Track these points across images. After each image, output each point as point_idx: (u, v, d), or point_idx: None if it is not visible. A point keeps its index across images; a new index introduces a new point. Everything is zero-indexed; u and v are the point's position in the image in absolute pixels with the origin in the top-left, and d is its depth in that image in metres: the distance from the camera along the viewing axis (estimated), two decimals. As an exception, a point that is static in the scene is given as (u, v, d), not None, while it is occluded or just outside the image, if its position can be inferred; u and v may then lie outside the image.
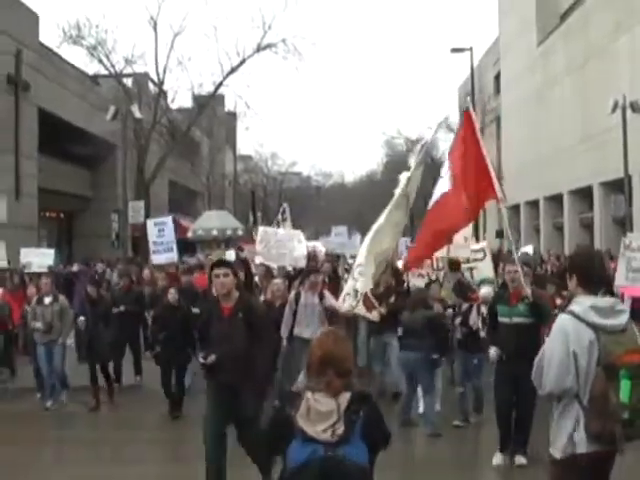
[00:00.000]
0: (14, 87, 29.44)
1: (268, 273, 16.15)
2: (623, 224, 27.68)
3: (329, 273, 16.57)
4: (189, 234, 28.70)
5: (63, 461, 10.72)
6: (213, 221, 29.53)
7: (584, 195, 35.28)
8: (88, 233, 39.80)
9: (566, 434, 5.08)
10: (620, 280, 11.05)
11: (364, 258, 12.73)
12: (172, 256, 20.09)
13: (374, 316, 12.62)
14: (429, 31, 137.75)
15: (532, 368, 8.50)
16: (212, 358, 7.73)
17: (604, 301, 5.21)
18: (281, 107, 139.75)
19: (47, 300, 14.07)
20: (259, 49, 37.44)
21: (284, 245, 17.73)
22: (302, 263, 17.97)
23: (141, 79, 40.34)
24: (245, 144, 67.05)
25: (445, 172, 11.38)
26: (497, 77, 50.51)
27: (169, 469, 10.11)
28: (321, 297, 13.19)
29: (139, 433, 11.99)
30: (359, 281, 12.80)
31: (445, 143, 51.01)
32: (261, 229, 19.28)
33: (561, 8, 40.48)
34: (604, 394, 4.93)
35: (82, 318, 13.88)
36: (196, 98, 44.04)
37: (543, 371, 5.16)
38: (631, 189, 27.71)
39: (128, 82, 38.80)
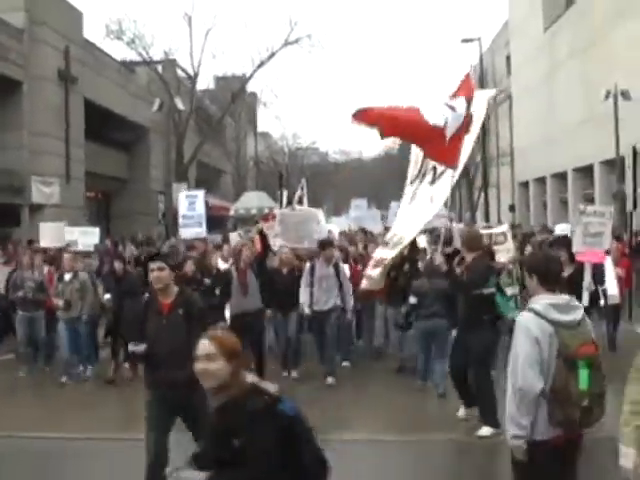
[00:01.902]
0: (64, 81, 32.12)
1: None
2: (621, 199, 29.48)
3: (356, 254, 16.23)
4: (231, 212, 30.99)
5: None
6: (252, 201, 32.22)
7: (586, 173, 37.13)
8: (125, 212, 42.02)
9: None
10: (578, 246, 11.38)
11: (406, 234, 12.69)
12: (201, 231, 19.67)
13: (367, 277, 12.89)
14: (440, 17, 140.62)
15: (480, 337, 9.79)
16: (142, 347, 7.24)
17: (561, 298, 5.51)
18: (298, 89, 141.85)
19: (67, 277, 14.05)
20: (286, 44, 39.81)
21: (303, 227, 16.83)
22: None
23: (170, 65, 43.16)
24: (264, 121, 69.31)
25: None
26: (508, 58, 51.91)
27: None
28: (336, 269, 13.53)
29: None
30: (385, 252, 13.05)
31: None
32: (278, 211, 18.46)
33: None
34: (566, 384, 5.19)
35: (107, 295, 13.96)
36: (219, 80, 46.85)
37: (515, 370, 5.34)
38: (624, 169, 28.67)
39: (158, 68, 41.62)
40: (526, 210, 47.92)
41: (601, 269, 12.56)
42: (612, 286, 13.23)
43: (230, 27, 65.26)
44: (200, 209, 19.71)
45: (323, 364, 13.69)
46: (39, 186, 30.24)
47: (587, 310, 6.49)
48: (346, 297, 13.52)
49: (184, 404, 7.02)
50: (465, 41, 39.02)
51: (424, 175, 12.31)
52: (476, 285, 9.68)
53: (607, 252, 12.76)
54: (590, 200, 35.77)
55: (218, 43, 69.23)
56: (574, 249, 11.25)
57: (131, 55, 40.70)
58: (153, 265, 7.41)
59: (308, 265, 13.81)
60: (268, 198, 32.92)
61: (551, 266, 5.71)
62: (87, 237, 20.09)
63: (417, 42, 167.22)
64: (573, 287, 9.64)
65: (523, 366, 5.22)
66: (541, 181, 44.75)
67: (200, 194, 20.39)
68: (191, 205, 19.84)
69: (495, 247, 14.14)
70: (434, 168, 11.92)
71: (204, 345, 4.33)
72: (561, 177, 40.64)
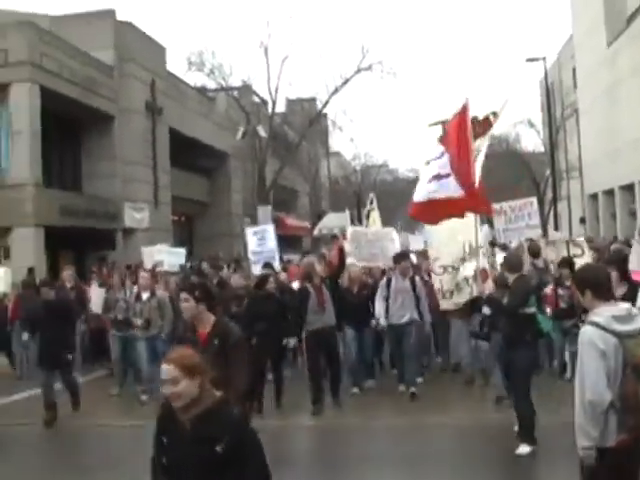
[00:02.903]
0: (151, 112, 34.39)
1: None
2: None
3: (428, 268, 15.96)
4: (315, 233, 32.41)
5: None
6: (333, 221, 33.89)
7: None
8: (207, 234, 43.75)
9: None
10: (634, 265, 11.00)
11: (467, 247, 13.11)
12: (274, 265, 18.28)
13: (489, 286, 11.99)
14: (505, 36, 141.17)
15: (523, 356, 9.83)
16: None
17: (621, 309, 5.48)
18: (369, 109, 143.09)
19: (145, 296, 14.19)
20: (359, 70, 41.45)
21: (375, 245, 16.73)
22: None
23: (247, 92, 45.25)
24: (336, 141, 70.31)
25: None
26: (574, 71, 51.42)
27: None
28: (413, 283, 13.54)
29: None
30: (467, 268, 13.35)
31: (526, 138, 53.52)
32: (350, 229, 18.30)
33: (628, 11, 40.96)
34: (635, 391, 5.21)
35: None
36: (290, 102, 48.86)
37: (583, 384, 5.33)
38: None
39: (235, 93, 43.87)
40: (596, 222, 48.25)
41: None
42: None
43: (304, 54, 66.97)
44: (271, 244, 18.87)
45: (402, 378, 13.84)
46: (131, 212, 32.35)
47: None
48: (424, 310, 13.59)
49: None
50: (530, 60, 39.65)
51: None
52: (516, 307, 9.97)
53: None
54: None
55: (293, 69, 71.47)
56: (630, 267, 10.71)
57: (209, 83, 43.21)
58: (181, 295, 7.57)
59: (384, 278, 14.03)
60: (348, 218, 34.52)
61: (600, 276, 5.74)
62: (173, 257, 20.89)
63: (484, 61, 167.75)
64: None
65: (592, 380, 5.25)
66: (610, 193, 44.89)
67: (270, 228, 19.73)
68: (260, 241, 19.02)
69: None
70: None
71: (166, 370, 4.49)
72: (629, 189, 40.81)
